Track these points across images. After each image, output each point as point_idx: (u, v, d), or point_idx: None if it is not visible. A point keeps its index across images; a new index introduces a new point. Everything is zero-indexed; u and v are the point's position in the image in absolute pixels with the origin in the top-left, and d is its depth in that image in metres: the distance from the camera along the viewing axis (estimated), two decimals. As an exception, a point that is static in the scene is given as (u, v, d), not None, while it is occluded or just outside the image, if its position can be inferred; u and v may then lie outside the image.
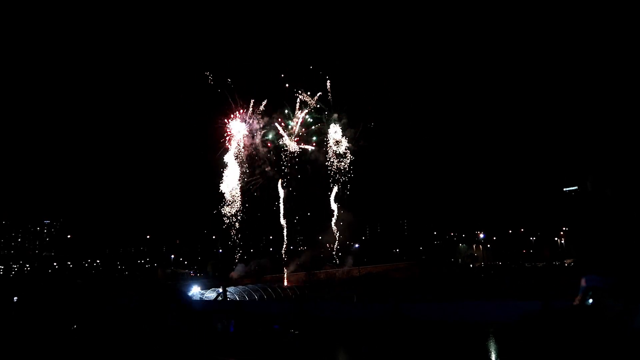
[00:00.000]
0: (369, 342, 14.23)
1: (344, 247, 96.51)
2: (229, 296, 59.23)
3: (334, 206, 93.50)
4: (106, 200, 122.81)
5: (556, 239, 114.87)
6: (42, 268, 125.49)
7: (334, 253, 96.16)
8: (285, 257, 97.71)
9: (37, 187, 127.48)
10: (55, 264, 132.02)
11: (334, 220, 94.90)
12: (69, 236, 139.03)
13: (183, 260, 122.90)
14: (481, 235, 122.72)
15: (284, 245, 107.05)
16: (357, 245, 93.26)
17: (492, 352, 12.82)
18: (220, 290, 61.51)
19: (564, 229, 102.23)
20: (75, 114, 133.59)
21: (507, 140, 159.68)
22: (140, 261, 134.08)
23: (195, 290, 66.44)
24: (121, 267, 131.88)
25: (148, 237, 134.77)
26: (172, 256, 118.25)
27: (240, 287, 69.12)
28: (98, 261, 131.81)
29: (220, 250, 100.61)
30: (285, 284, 78.22)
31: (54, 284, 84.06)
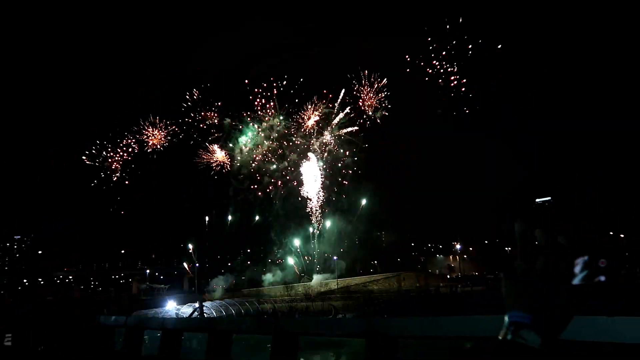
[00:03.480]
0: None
1: (323, 259, 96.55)
2: (205, 311, 58.51)
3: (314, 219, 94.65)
4: (79, 214, 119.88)
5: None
6: (11, 284, 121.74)
7: (312, 267, 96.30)
8: (263, 270, 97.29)
9: (7, 203, 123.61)
10: (25, 280, 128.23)
11: (313, 232, 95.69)
12: (39, 252, 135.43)
13: (159, 275, 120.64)
14: (458, 246, 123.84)
15: (262, 258, 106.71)
16: (335, 258, 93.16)
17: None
18: (197, 305, 60.81)
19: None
20: (51, 121, 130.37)
21: (482, 151, 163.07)
22: (115, 276, 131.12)
23: (170, 306, 65.43)
24: (95, 282, 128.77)
25: (123, 251, 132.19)
26: (148, 271, 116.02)
27: (218, 301, 68.58)
28: (70, 277, 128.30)
29: (197, 265, 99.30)
30: (263, 298, 77.64)
31: (23, 301, 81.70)
